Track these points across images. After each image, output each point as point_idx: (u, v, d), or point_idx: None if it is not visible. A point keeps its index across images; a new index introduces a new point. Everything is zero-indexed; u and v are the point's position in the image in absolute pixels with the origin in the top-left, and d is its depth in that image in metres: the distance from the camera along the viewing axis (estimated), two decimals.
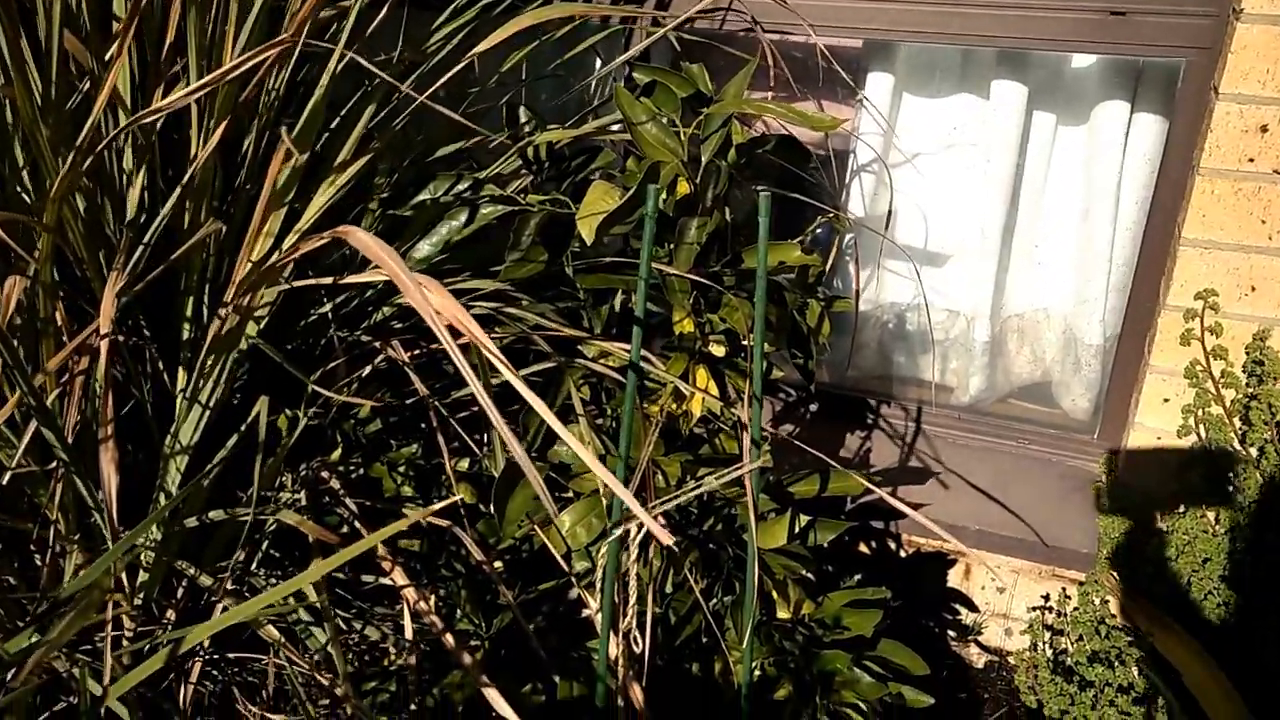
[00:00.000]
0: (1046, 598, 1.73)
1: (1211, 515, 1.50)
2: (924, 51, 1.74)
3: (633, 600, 0.99)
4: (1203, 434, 1.52)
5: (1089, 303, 1.77)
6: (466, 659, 0.96)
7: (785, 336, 1.38)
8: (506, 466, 1.10)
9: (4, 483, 0.85)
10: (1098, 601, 1.62)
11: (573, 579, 1.11)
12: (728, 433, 1.31)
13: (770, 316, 1.30)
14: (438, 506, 0.78)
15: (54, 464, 0.96)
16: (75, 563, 0.99)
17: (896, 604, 1.76)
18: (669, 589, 1.15)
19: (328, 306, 1.24)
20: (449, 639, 0.92)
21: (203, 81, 0.85)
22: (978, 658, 1.80)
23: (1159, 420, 1.57)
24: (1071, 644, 1.67)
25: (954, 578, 1.80)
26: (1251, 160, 1.40)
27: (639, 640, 1.01)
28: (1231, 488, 1.48)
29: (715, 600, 1.22)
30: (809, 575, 1.26)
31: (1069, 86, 1.70)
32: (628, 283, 1.22)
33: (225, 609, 0.96)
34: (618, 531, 0.96)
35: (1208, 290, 1.47)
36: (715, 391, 1.20)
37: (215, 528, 1.07)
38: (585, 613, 1.08)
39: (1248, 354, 1.47)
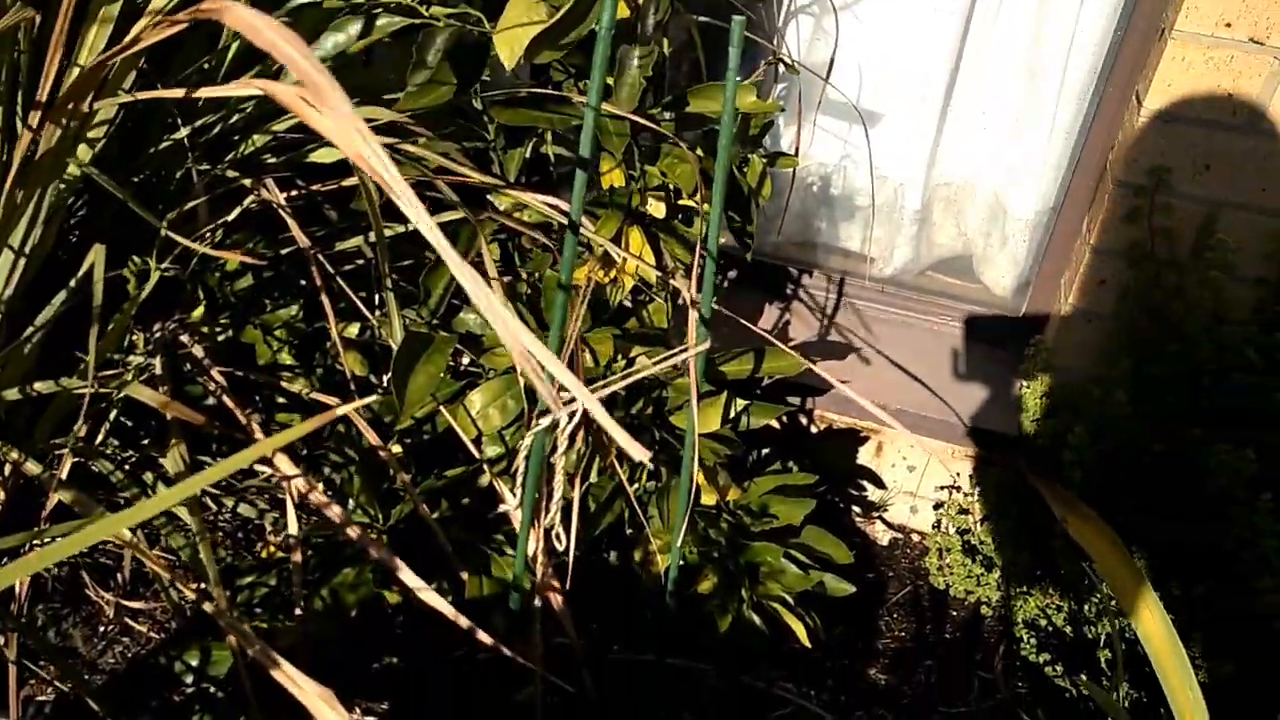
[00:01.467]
0: (956, 476, 1.70)
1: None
2: None
3: (558, 494, 0.86)
4: (1137, 318, 1.47)
5: (1023, 173, 1.68)
6: (375, 552, 0.82)
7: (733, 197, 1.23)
8: (407, 336, 0.93)
9: None
10: (1009, 483, 1.59)
11: (484, 466, 0.97)
12: (659, 302, 1.17)
13: (708, 172, 1.15)
14: (351, 407, 0.61)
15: None
16: None
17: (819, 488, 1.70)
18: (593, 477, 1.02)
19: (184, 131, 1.01)
20: (353, 531, 0.77)
21: None
22: (882, 534, 1.77)
23: (1093, 302, 1.51)
24: (978, 524, 1.65)
25: (865, 455, 1.74)
26: (1229, 25, 1.29)
27: (562, 536, 0.89)
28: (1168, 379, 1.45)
29: (637, 486, 1.11)
30: (733, 458, 1.16)
31: None
32: (552, 120, 1.04)
33: (61, 508, 0.78)
34: (545, 420, 0.81)
35: (1160, 167, 1.39)
36: (650, 258, 1.04)
37: (45, 401, 0.87)
38: (503, 507, 0.95)
39: (1196, 238, 1.40)
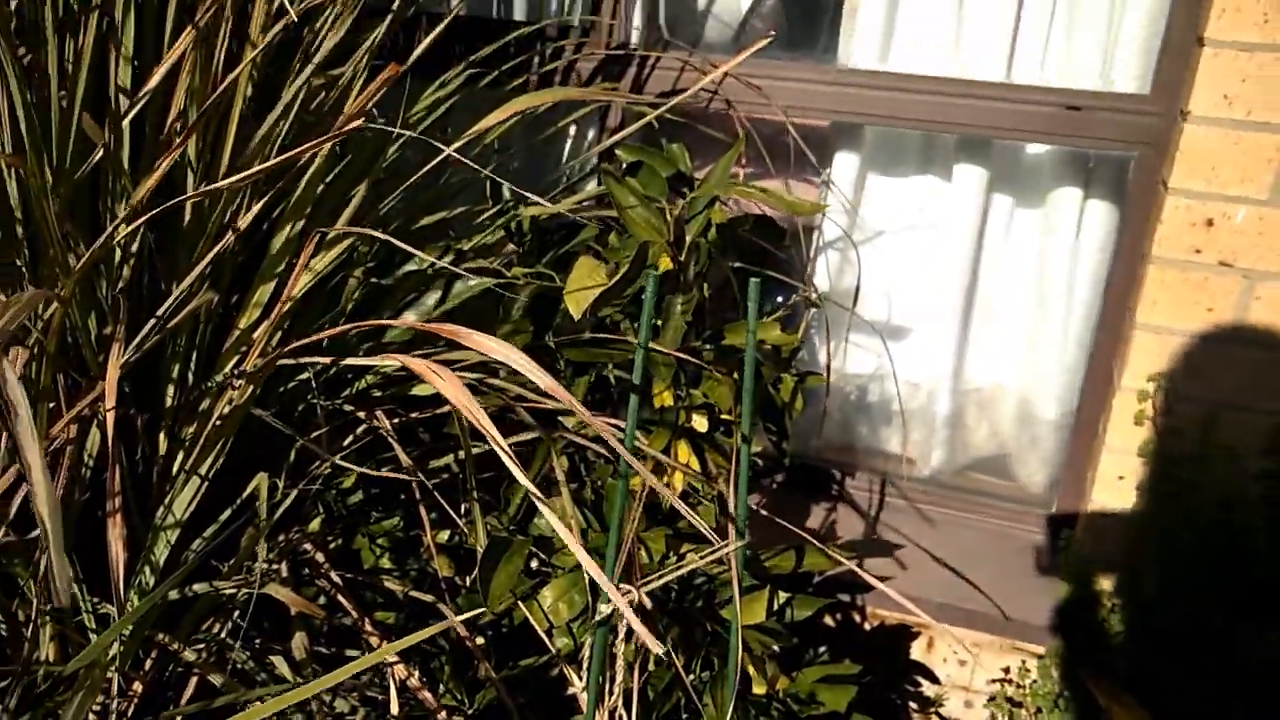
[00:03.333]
0: (1007, 670, 1.76)
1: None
2: (889, 134, 1.81)
3: (619, 680, 0.99)
4: (1152, 510, 1.58)
5: (1045, 380, 1.84)
6: None
7: (758, 411, 1.41)
8: (491, 541, 1.11)
9: None
10: (1056, 675, 1.65)
11: (556, 656, 1.11)
12: (707, 505, 1.33)
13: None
14: (454, 621, 0.78)
15: (35, 533, 0.95)
16: (48, 635, 0.96)
17: (864, 678, 1.78)
18: (652, 666, 1.15)
19: (309, 373, 1.24)
20: (442, 715, 0.91)
21: (227, 182, 0.86)
22: None
23: (1113, 497, 1.62)
24: (1031, 717, 1.70)
25: (917, 650, 1.82)
26: (1198, 251, 1.48)
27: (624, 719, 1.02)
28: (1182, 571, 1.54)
29: (693, 676, 1.23)
30: (784, 649, 1.28)
31: (1026, 172, 1.78)
32: (611, 356, 1.25)
33: (203, 685, 0.94)
34: (604, 610, 0.97)
35: (1159, 374, 1.54)
36: (696, 466, 1.22)
37: (194, 599, 1.05)
38: (570, 690, 1.08)
39: (1200, 435, 1.53)
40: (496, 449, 0.75)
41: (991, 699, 1.78)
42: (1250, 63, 1.38)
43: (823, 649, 1.72)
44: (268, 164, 0.87)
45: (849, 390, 1.99)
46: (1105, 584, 1.64)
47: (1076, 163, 1.71)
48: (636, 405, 1.01)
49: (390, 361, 0.78)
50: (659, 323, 1.21)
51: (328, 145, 1.13)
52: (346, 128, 1.11)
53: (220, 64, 1.01)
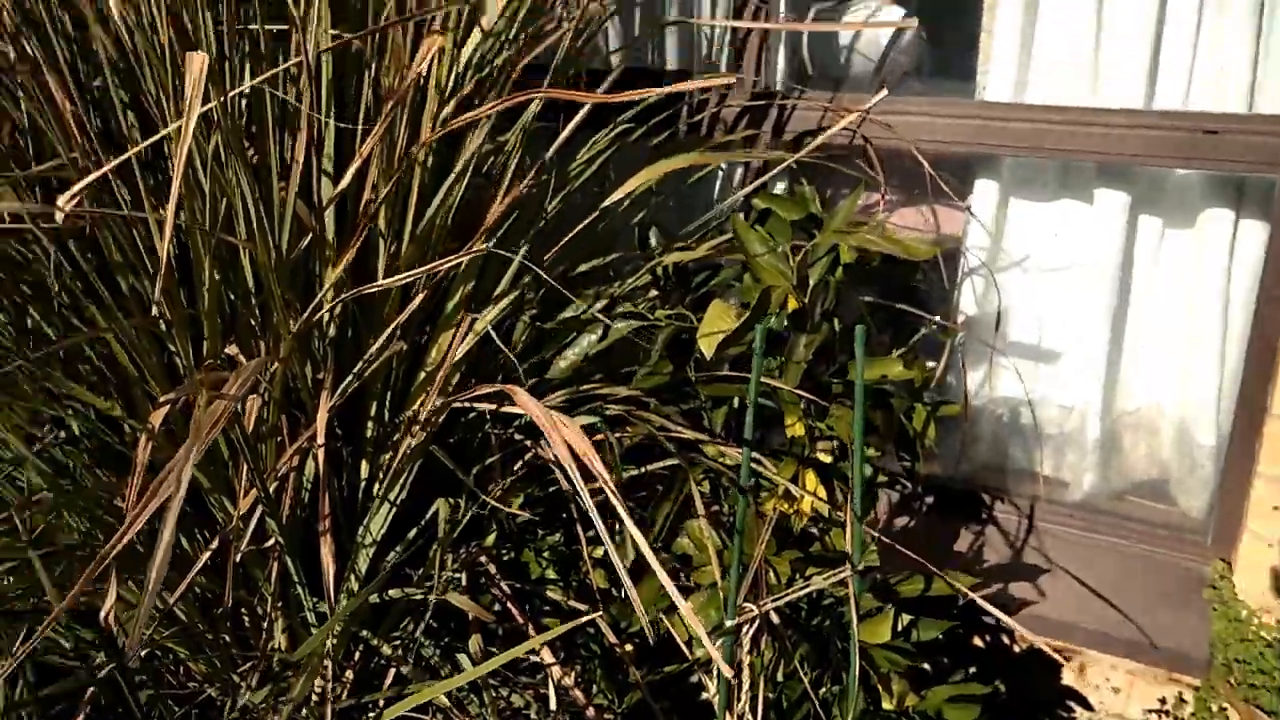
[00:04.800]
0: (1163, 701, 1.74)
1: None
2: (1029, 160, 1.84)
3: (746, 687, 1.11)
4: None
5: (1201, 404, 1.81)
6: None
7: (892, 439, 1.49)
8: (637, 557, 1.25)
9: (237, 560, 1.05)
10: (1214, 708, 1.63)
11: (695, 664, 1.24)
12: (839, 529, 1.43)
13: (876, 422, 1.42)
14: (595, 615, 0.93)
15: (269, 543, 1.17)
16: (280, 628, 1.18)
17: (1008, 699, 1.82)
18: (780, 677, 1.26)
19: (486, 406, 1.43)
20: (591, 711, 1.06)
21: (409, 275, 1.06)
22: None
23: (1269, 527, 1.59)
24: None
25: (1068, 676, 1.83)
26: None
27: None
28: None
29: (824, 689, 1.33)
30: (914, 668, 1.35)
31: (1172, 194, 1.77)
32: (743, 391, 1.37)
33: (397, 675, 1.12)
34: (730, 623, 1.09)
35: None
36: (823, 494, 1.32)
37: (391, 602, 1.25)
38: (704, 695, 1.21)
39: None
40: (584, 495, 0.89)
41: None
42: None
43: (971, 669, 1.77)
44: (434, 264, 1.05)
45: (1000, 413, 2.02)
46: (1264, 617, 1.60)
47: (1227, 184, 1.69)
48: (752, 435, 1.13)
49: (522, 404, 0.93)
50: (783, 360, 1.32)
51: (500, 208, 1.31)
52: (510, 197, 1.29)
53: (402, 148, 1.21)
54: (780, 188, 1.96)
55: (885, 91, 1.43)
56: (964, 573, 1.77)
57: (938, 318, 1.65)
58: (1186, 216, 1.77)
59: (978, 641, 1.88)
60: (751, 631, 1.11)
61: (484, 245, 1.13)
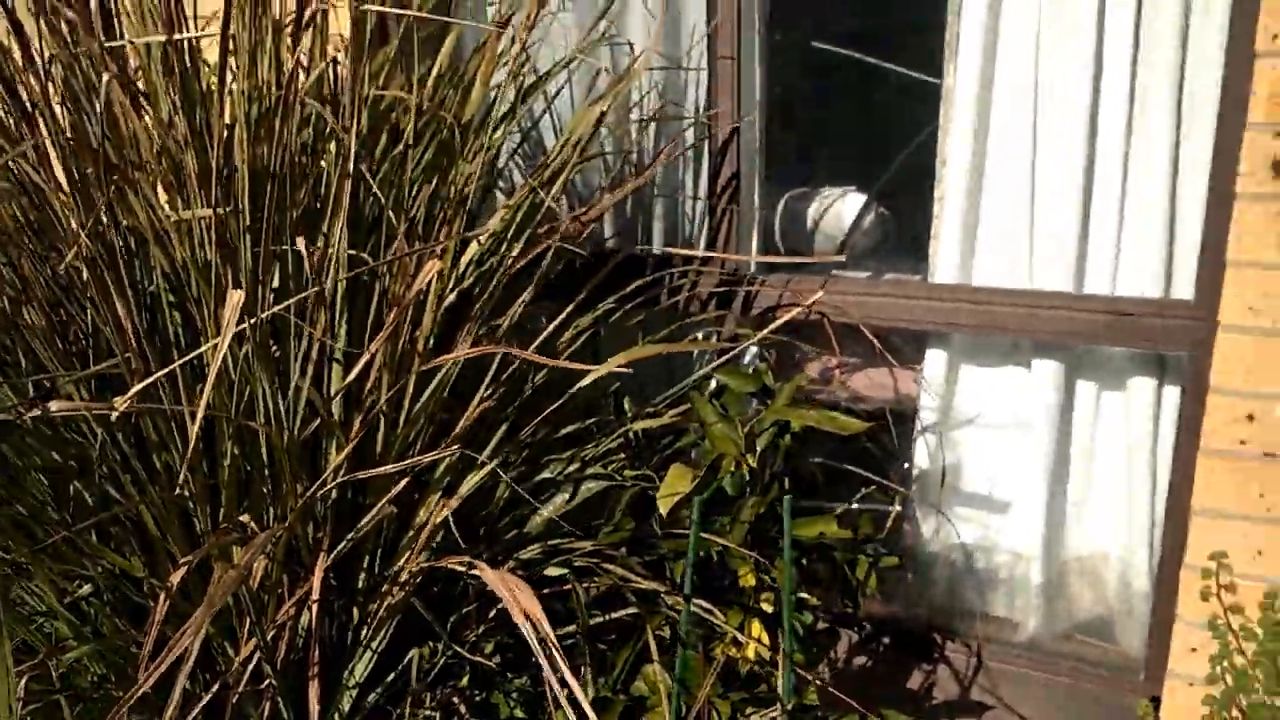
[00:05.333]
0: None
1: None
2: (975, 335, 2.04)
3: None
4: (1229, 682, 1.67)
5: (1137, 552, 1.97)
6: None
7: (837, 588, 1.66)
8: (596, 698, 1.40)
9: (234, 700, 1.21)
10: None
11: None
12: (777, 674, 1.57)
13: (821, 575, 1.59)
14: None
15: (264, 685, 1.33)
16: None
17: None
18: None
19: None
20: None
21: (400, 465, 1.25)
22: None
23: (1189, 668, 1.72)
24: None
25: None
26: (1243, 443, 1.62)
27: None
28: None
29: None
30: None
31: (1103, 363, 1.96)
32: (699, 546, 1.54)
33: None
34: None
35: (1219, 553, 1.66)
36: (766, 640, 1.47)
37: None
38: None
39: (1261, 611, 1.63)
40: (537, 648, 1.06)
41: None
42: (1267, 276, 1.56)
43: None
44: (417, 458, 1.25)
45: (954, 559, 2.17)
46: None
47: (1149, 356, 1.88)
48: (690, 587, 1.30)
49: (486, 577, 1.11)
50: (730, 520, 1.50)
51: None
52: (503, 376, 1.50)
53: (405, 344, 1.42)
54: (751, 353, 2.17)
55: (818, 292, 1.64)
56: (915, 709, 1.90)
57: (884, 477, 1.83)
58: (1117, 382, 1.96)
59: None
60: None
61: (456, 447, 1.32)
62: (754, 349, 2.17)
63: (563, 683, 1.08)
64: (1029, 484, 2.03)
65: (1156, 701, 1.79)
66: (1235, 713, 1.67)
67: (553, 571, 1.63)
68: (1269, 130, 1.51)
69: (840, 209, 2.22)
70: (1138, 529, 1.95)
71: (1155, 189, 1.81)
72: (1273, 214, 1.53)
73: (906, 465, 2.13)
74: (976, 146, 1.93)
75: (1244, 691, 1.66)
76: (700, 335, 2.14)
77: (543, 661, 1.07)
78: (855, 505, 1.72)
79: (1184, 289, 1.79)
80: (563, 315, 1.61)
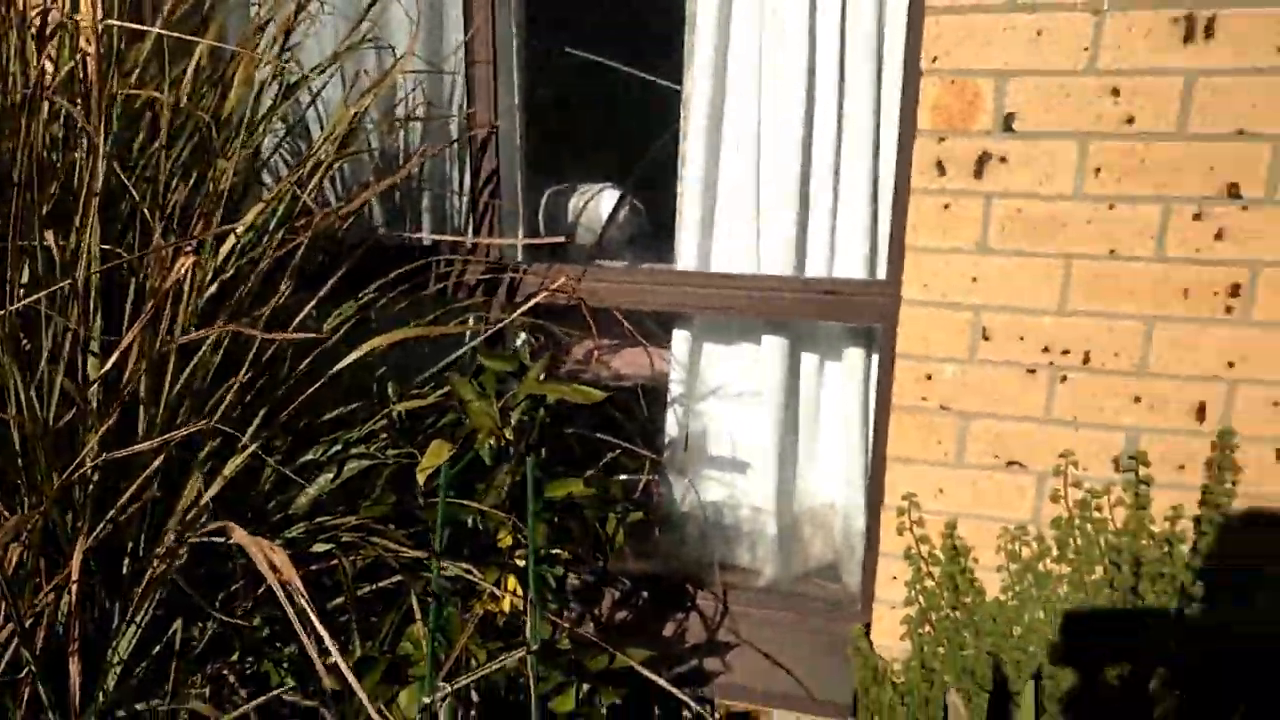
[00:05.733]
0: None
1: (933, 669, 1.94)
2: (713, 315, 2.28)
3: None
4: (921, 602, 1.98)
5: (856, 500, 2.26)
6: None
7: (589, 544, 1.84)
8: (360, 659, 1.52)
9: None
10: None
11: None
12: (542, 621, 1.74)
13: (574, 531, 1.77)
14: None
15: (24, 673, 1.36)
16: None
17: None
18: None
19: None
20: None
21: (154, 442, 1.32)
22: None
23: (891, 594, 2.03)
24: None
25: None
26: (924, 399, 1.93)
27: None
28: (942, 648, 1.93)
29: None
30: None
31: (822, 337, 2.24)
32: (457, 514, 1.68)
33: None
34: (426, 700, 1.37)
35: (910, 493, 1.96)
36: (521, 593, 1.63)
37: (136, 715, 1.45)
38: None
39: (942, 539, 1.95)
40: (288, 607, 1.17)
41: None
42: (936, 259, 1.86)
43: None
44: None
45: (704, 516, 2.41)
46: (894, 666, 2.02)
47: (860, 329, 2.17)
48: (441, 546, 1.44)
49: (236, 537, 1.21)
50: (486, 486, 1.65)
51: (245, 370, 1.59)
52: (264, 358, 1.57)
53: (165, 332, 1.47)
54: (522, 338, 2.32)
55: (560, 281, 1.81)
56: (669, 653, 2.12)
57: (645, 446, 2.03)
58: (835, 353, 2.25)
59: (685, 714, 2.21)
60: (458, 709, 1.38)
61: (205, 422, 1.40)
62: (523, 334, 2.32)
63: (318, 639, 1.19)
64: (764, 446, 2.29)
65: (868, 627, 2.09)
66: (928, 627, 1.99)
67: (320, 548, 1.72)
68: (934, 136, 1.81)
69: (598, 204, 2.41)
70: (855, 480, 2.25)
71: (860, 187, 2.09)
72: (939, 206, 1.83)
73: (663, 435, 2.34)
74: (710, 147, 2.16)
75: (934, 609, 1.97)
76: (472, 320, 2.27)
77: (293, 618, 1.17)
78: (612, 472, 1.90)
79: (884, 271, 2.09)
80: (313, 303, 1.69)
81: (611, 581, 2.34)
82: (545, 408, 1.81)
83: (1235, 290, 1.72)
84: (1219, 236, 1.71)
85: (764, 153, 2.16)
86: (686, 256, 2.22)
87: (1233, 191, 1.68)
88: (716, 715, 2.19)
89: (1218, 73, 1.65)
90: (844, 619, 2.19)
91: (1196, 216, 1.71)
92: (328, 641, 1.24)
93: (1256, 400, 1.76)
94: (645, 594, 2.33)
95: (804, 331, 2.24)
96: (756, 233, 2.19)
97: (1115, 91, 1.70)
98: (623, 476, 2.02)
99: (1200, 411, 1.79)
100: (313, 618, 1.23)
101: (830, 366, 2.27)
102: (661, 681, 1.58)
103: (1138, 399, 1.82)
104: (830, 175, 2.12)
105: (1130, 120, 1.70)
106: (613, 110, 2.78)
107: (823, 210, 2.15)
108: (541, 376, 1.77)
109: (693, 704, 1.69)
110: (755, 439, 2.32)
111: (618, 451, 1.88)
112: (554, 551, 1.75)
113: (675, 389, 2.34)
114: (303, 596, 1.14)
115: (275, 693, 1.46)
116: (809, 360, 2.28)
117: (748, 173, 2.17)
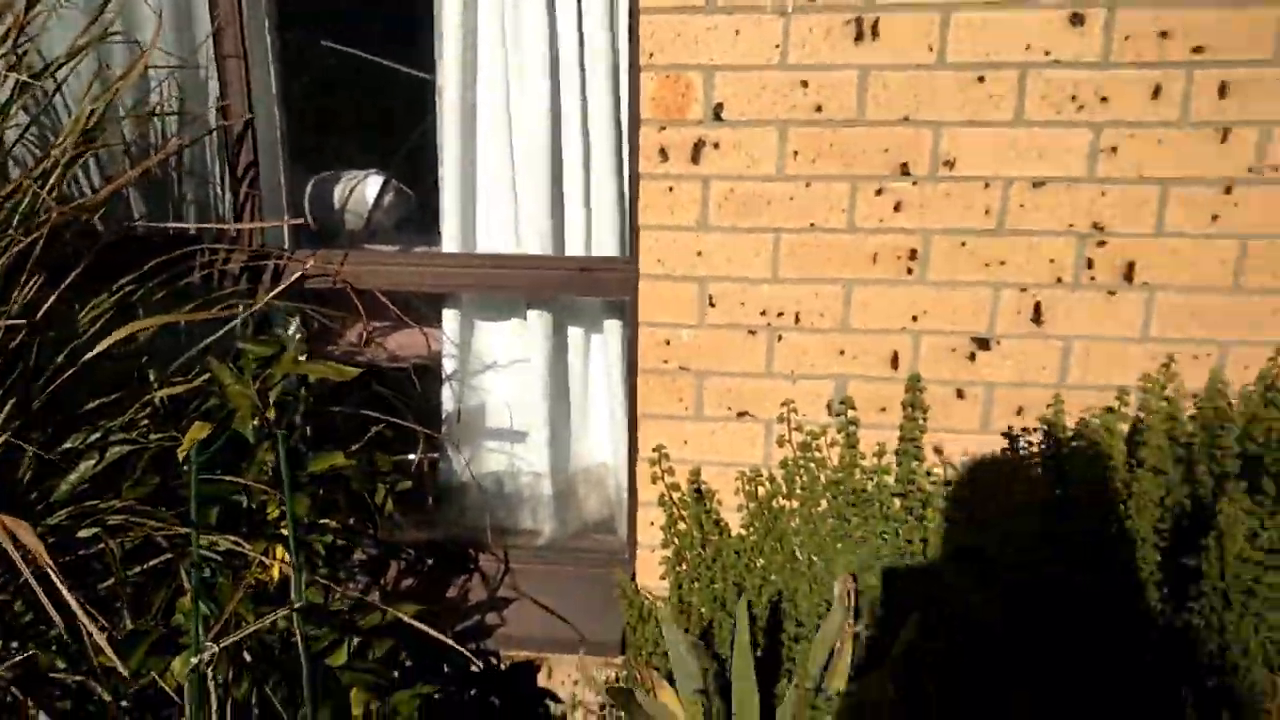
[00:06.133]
0: (607, 680, 2.33)
1: (690, 603, 2.17)
2: (479, 294, 2.43)
3: (215, 708, 1.48)
4: (675, 543, 2.21)
5: (621, 457, 2.47)
6: None
7: (360, 514, 1.96)
8: (131, 631, 1.58)
9: None
10: (634, 675, 2.24)
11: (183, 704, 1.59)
12: (314, 587, 1.85)
13: (339, 500, 1.88)
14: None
15: None
16: None
17: (503, 705, 2.32)
18: (254, 701, 1.64)
19: None
20: None
21: None
22: None
23: (650, 538, 2.25)
24: (614, 714, 2.27)
25: (542, 679, 2.37)
26: (666, 361, 2.15)
27: None
28: (696, 584, 2.17)
29: (303, 707, 1.72)
30: (380, 681, 1.79)
31: (585, 311, 2.43)
32: (218, 490, 1.76)
33: None
34: (193, 661, 1.46)
35: (659, 445, 2.18)
36: (289, 560, 1.73)
37: None
38: None
39: (688, 484, 2.18)
40: (36, 586, 1.25)
41: (601, 707, 2.35)
42: (666, 236, 2.08)
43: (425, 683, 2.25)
44: None
45: (487, 484, 2.56)
46: (658, 605, 2.24)
47: (615, 301, 2.37)
48: (200, 518, 1.53)
49: None
50: (248, 462, 1.74)
51: None
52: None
53: None
54: (295, 323, 2.38)
55: (366, 247, 1.92)
56: (455, 612, 2.26)
57: (425, 423, 2.16)
58: (595, 324, 2.44)
59: (473, 666, 2.37)
60: (229, 668, 1.48)
61: None
62: (295, 320, 2.39)
63: (68, 613, 1.27)
64: (536, 414, 2.47)
65: (634, 571, 2.30)
66: (683, 566, 2.22)
67: (86, 533, 1.77)
68: (655, 125, 2.02)
69: (363, 189, 2.50)
70: (621, 439, 2.46)
71: (608, 171, 2.28)
72: (665, 189, 2.05)
73: (441, 410, 2.48)
74: (465, 135, 2.30)
75: (688, 549, 2.20)
76: (241, 307, 2.32)
77: (43, 597, 1.25)
78: (385, 447, 2.02)
79: (621, 250, 2.29)
80: (54, 295, 1.73)
81: (397, 553, 2.46)
82: (307, 387, 1.92)
83: (914, 254, 2.02)
84: (897, 209, 2.00)
85: (517, 140, 2.31)
86: (450, 239, 2.35)
87: (905, 170, 1.98)
88: (502, 666, 2.36)
89: (885, 68, 1.93)
90: (614, 567, 2.39)
91: (878, 192, 2.00)
92: (81, 617, 1.32)
93: (938, 348, 2.08)
94: (430, 562, 2.47)
95: (567, 306, 2.43)
96: (515, 215, 2.35)
97: (805, 84, 1.95)
98: (412, 456, 2.15)
99: (894, 360, 2.09)
100: (64, 593, 1.30)
101: (594, 338, 2.47)
102: (432, 632, 1.73)
103: (842, 352, 2.10)
104: (580, 160, 2.31)
105: (819, 109, 1.96)
106: (381, 97, 2.85)
107: (577, 193, 2.33)
108: (301, 357, 1.88)
109: (464, 651, 1.84)
110: (528, 409, 2.49)
111: (382, 426, 2.00)
112: (322, 521, 1.86)
113: (449, 365, 2.47)
114: (53, 571, 1.22)
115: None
116: (574, 332, 2.47)
117: (503, 159, 2.32)
